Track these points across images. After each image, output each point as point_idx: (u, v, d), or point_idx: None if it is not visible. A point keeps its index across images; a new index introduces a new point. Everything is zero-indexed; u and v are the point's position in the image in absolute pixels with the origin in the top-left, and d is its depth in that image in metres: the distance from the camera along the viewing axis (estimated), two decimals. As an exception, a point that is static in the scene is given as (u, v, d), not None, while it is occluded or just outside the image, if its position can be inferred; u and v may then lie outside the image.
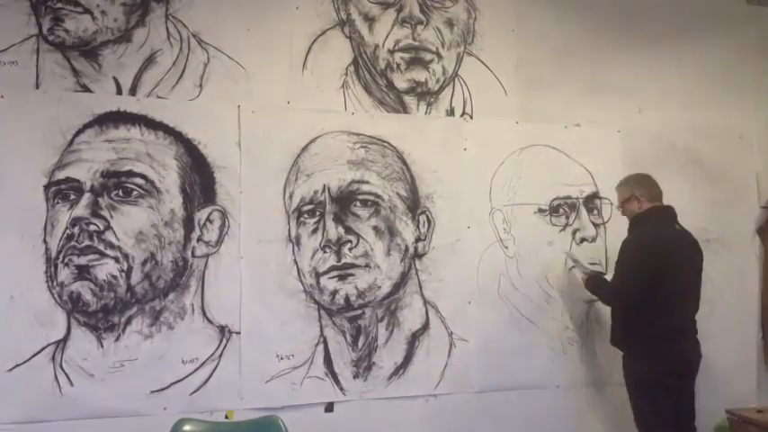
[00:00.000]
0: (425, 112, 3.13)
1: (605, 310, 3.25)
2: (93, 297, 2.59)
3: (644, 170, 3.39)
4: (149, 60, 2.78)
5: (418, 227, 3.04)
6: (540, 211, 3.20)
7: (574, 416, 3.16)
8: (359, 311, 2.91)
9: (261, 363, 2.76)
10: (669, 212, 2.90)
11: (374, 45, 3.09)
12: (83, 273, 2.58)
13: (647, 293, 2.72)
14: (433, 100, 3.15)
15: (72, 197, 2.61)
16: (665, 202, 3.24)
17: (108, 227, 2.62)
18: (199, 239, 2.74)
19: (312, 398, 2.81)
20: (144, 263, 2.65)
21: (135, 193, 2.67)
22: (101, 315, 2.60)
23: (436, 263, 3.03)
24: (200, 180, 2.77)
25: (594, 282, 3.01)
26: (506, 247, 3.15)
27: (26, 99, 2.61)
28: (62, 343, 2.55)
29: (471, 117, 3.19)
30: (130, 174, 2.67)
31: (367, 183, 2.97)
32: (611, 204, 3.31)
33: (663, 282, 2.71)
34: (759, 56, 3.71)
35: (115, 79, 2.73)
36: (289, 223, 2.86)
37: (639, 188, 2.92)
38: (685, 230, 2.91)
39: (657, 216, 2.87)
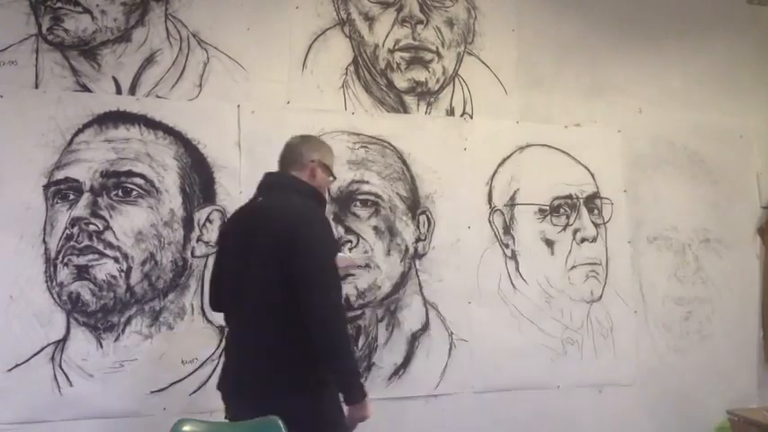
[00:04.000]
0: (425, 112, 3.13)
1: (605, 310, 3.25)
2: (92, 297, 2.58)
3: (644, 170, 3.43)
4: (149, 60, 2.77)
5: (418, 227, 3.03)
6: (541, 211, 3.20)
7: (574, 416, 3.15)
8: (359, 312, 2.90)
9: (261, 363, 2.75)
10: (267, 181, 2.15)
11: (374, 45, 3.08)
12: (82, 273, 2.57)
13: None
14: (432, 100, 3.15)
15: (71, 197, 2.60)
16: (664, 201, 3.26)
17: (107, 227, 2.61)
18: (198, 239, 2.74)
19: (312, 398, 2.81)
20: (143, 263, 2.65)
21: (134, 192, 2.67)
22: (100, 315, 2.59)
23: (436, 263, 3.03)
24: (199, 180, 2.77)
25: None
26: (506, 247, 3.14)
27: (25, 99, 2.61)
28: (61, 343, 2.55)
29: (471, 117, 3.18)
30: (130, 174, 2.67)
31: (367, 183, 2.96)
32: (612, 204, 3.31)
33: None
34: (759, 56, 3.71)
35: (115, 79, 2.73)
36: (288, 223, 2.85)
37: None
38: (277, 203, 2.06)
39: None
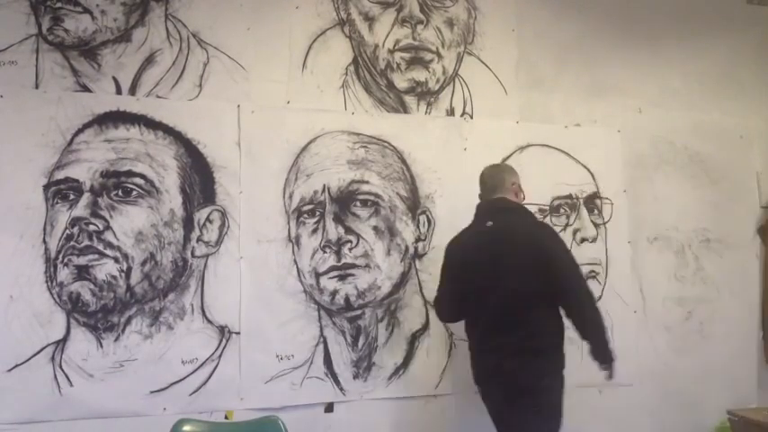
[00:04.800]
0: (425, 112, 3.13)
1: (605, 310, 3.23)
2: (92, 297, 2.58)
3: (644, 170, 3.42)
4: (149, 60, 2.77)
5: (418, 227, 3.03)
6: (541, 211, 3.20)
7: (574, 416, 3.14)
8: (359, 312, 2.90)
9: (261, 363, 2.75)
10: (485, 207, 2.56)
11: (374, 45, 3.08)
12: (82, 273, 2.58)
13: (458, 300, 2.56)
14: (433, 100, 3.15)
15: (71, 197, 2.60)
16: (664, 201, 3.25)
17: (107, 227, 2.61)
18: (198, 239, 2.74)
19: (312, 398, 2.81)
20: (143, 263, 2.65)
21: (134, 192, 2.67)
22: (100, 315, 2.59)
23: (436, 263, 3.01)
24: (199, 180, 2.77)
25: None
26: (506, 247, 3.14)
27: (26, 99, 2.61)
28: (61, 343, 2.55)
29: (471, 117, 3.19)
30: (130, 174, 2.67)
31: (367, 183, 2.96)
32: (612, 204, 3.31)
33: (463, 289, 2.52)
34: (759, 56, 3.71)
35: (115, 79, 2.73)
36: (288, 223, 2.86)
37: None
38: (509, 225, 2.47)
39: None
